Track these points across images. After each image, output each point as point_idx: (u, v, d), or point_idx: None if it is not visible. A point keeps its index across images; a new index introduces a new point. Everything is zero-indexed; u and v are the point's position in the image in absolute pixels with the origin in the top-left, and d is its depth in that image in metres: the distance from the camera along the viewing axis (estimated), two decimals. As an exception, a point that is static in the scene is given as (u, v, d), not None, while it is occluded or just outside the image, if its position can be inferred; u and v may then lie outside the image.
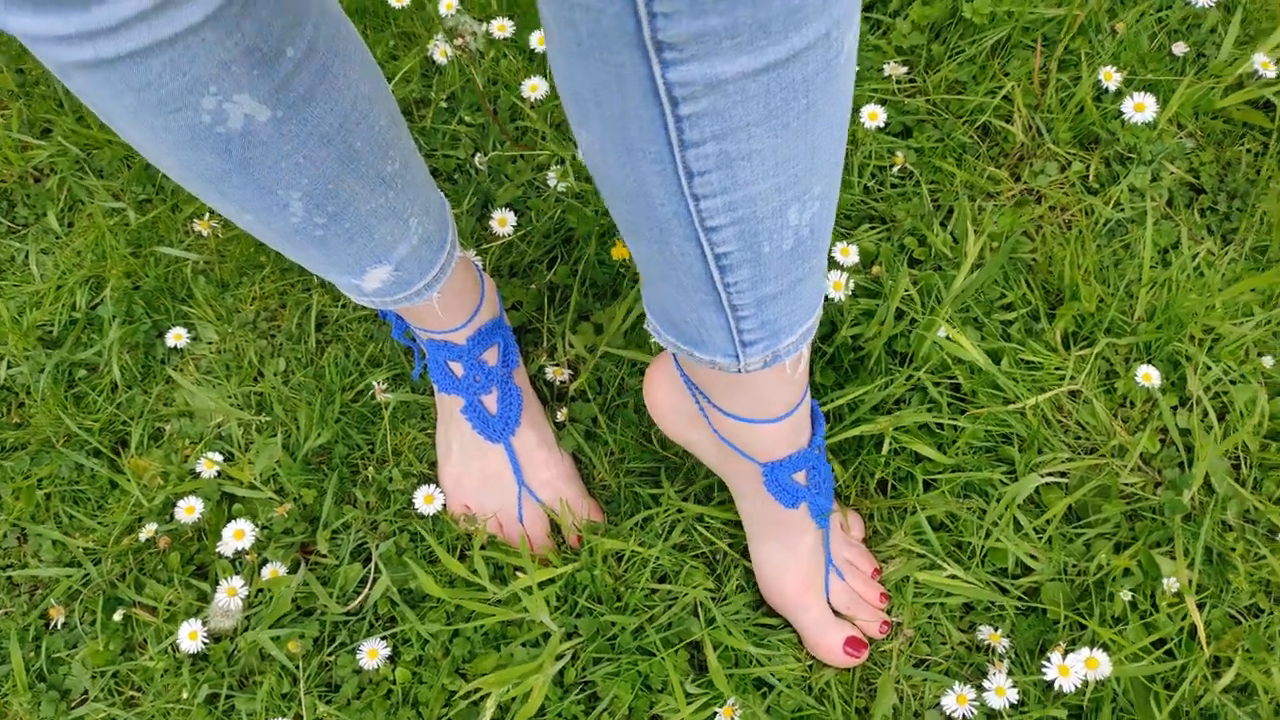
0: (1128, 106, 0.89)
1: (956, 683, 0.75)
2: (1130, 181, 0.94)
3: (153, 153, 0.55)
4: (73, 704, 0.85)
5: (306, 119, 0.56)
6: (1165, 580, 0.73)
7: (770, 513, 0.76)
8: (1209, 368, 0.84)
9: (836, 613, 0.80)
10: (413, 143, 0.68)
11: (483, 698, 0.77)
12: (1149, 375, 0.82)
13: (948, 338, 0.84)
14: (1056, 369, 0.86)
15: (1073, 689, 0.71)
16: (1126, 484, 0.83)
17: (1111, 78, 0.93)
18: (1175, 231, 0.92)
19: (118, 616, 0.84)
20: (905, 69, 1.02)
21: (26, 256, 1.06)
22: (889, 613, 0.81)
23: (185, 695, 0.81)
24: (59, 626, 0.86)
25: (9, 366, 1.00)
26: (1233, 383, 0.85)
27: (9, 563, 0.92)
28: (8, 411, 0.99)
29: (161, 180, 1.08)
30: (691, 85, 0.41)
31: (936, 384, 0.86)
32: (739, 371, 0.62)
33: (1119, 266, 0.91)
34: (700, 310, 0.57)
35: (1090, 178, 0.96)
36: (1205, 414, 0.84)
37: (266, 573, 0.84)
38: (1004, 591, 0.80)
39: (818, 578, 0.79)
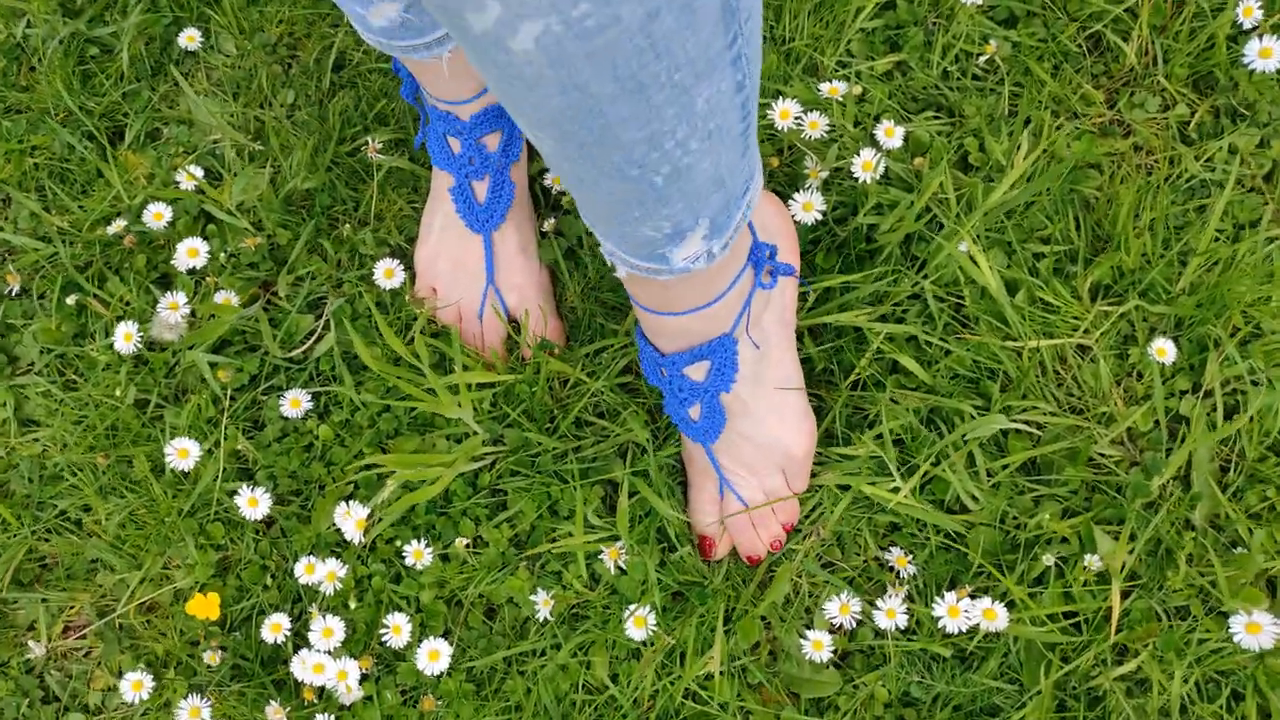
0: (1251, 50, 0.77)
1: (845, 591, 0.73)
2: (1233, 140, 0.83)
3: None
4: (18, 371, 0.87)
5: None
6: (1088, 556, 0.69)
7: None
8: (1235, 361, 0.76)
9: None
10: None
11: (389, 474, 0.77)
12: (1163, 350, 0.75)
13: (968, 254, 0.77)
14: (1074, 318, 0.79)
15: (957, 631, 0.69)
16: (1102, 454, 0.77)
17: (1252, 13, 0.80)
18: (1260, 209, 0.82)
19: (71, 300, 0.85)
20: (1030, -54, 0.89)
21: (66, -84, 1.01)
22: (803, 523, 0.78)
23: (118, 393, 0.82)
24: (14, 294, 0.87)
25: (28, 25, 0.98)
26: (1254, 383, 0.77)
27: (-11, 221, 0.92)
28: (18, 71, 0.97)
29: None
30: None
31: (940, 299, 0.80)
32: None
33: (1183, 230, 0.82)
34: None
35: (1191, 125, 0.85)
36: (1214, 408, 0.77)
37: (220, 298, 0.83)
38: (934, 525, 0.76)
39: (705, 476, 0.77)
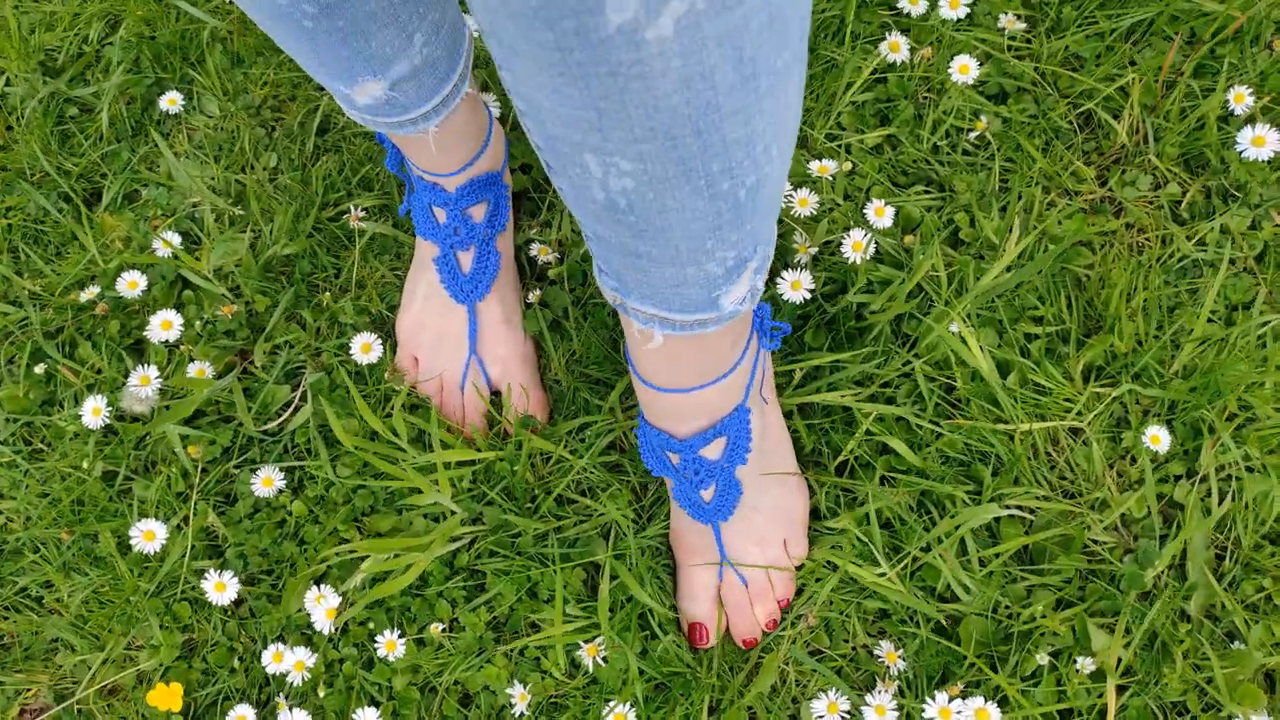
0: (1244, 137, 0.77)
1: (834, 689, 0.71)
2: (1225, 221, 0.83)
3: None
4: (-17, 439, 0.84)
5: None
6: (1080, 659, 0.67)
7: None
8: (1229, 447, 0.75)
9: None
10: None
11: (363, 559, 0.74)
12: (1157, 438, 0.73)
13: (959, 335, 0.76)
14: (1067, 400, 0.78)
15: (951, 736, 0.66)
16: (1095, 540, 0.76)
17: (1243, 99, 0.80)
18: (1254, 290, 0.82)
19: (40, 369, 0.83)
20: (1024, 25, 0.89)
21: (50, -27, 1.00)
22: (793, 603, 0.76)
23: (85, 465, 0.79)
24: (-19, 361, 0.85)
25: (7, 83, 0.96)
26: (1249, 469, 0.76)
27: (-41, 283, 0.90)
28: (-6, 130, 0.96)
29: (203, -71, 1.00)
30: None
31: (931, 379, 0.78)
32: (603, 294, 0.59)
33: (1176, 311, 0.81)
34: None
35: (1183, 204, 0.85)
36: (1208, 494, 0.76)
37: (193, 370, 0.81)
38: (923, 615, 0.74)
39: (703, 555, 0.74)
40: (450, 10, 0.65)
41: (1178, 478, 0.77)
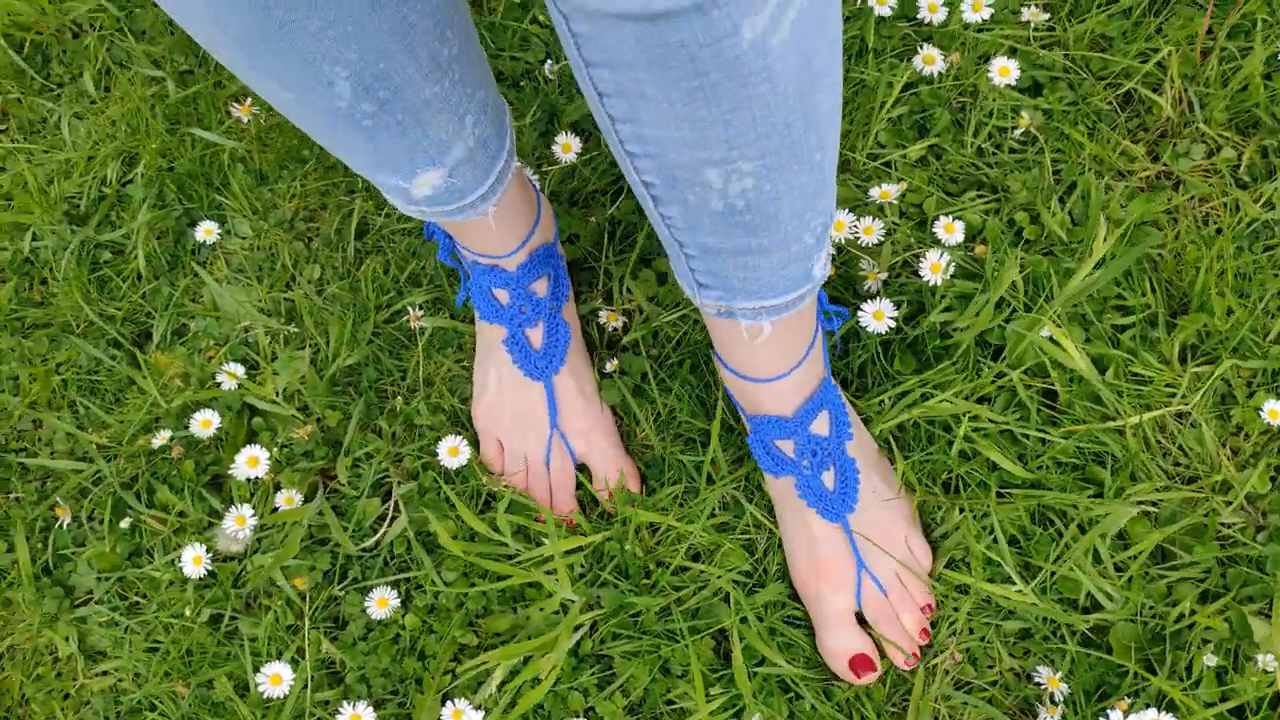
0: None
1: (1001, 716, 0.69)
2: (1288, 178, 0.82)
3: (183, 8, 0.49)
4: (76, 602, 0.82)
5: None
6: (1261, 658, 0.65)
7: (769, 483, 0.76)
8: (1345, 409, 0.74)
9: (866, 623, 0.73)
10: (474, 29, 0.61)
11: (492, 667, 0.72)
12: (1275, 412, 0.72)
13: (1051, 339, 0.75)
14: (1167, 385, 0.77)
15: (1136, 755, 0.64)
16: (1224, 523, 0.74)
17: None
18: (1330, 243, 0.80)
19: (125, 524, 0.81)
20: (1046, 15, 0.88)
21: (59, 119, 0.99)
22: (933, 632, 0.74)
23: (188, 612, 0.77)
24: (65, 525, 0.83)
25: (34, 239, 0.95)
26: (1369, 428, 0.74)
27: (23, 446, 0.88)
28: (30, 287, 0.94)
29: (205, 52, 1.00)
30: (566, 2, 0.42)
31: (1028, 386, 0.77)
32: (702, 310, 0.65)
33: (1258, 275, 0.80)
34: (660, 231, 0.58)
35: (1241, 168, 0.84)
36: (1329, 458, 0.74)
37: (281, 499, 0.79)
38: (1068, 627, 0.72)
39: (839, 571, 0.73)
40: (492, 89, 0.65)
41: (1292, 445, 0.76)
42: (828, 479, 0.73)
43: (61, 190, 0.96)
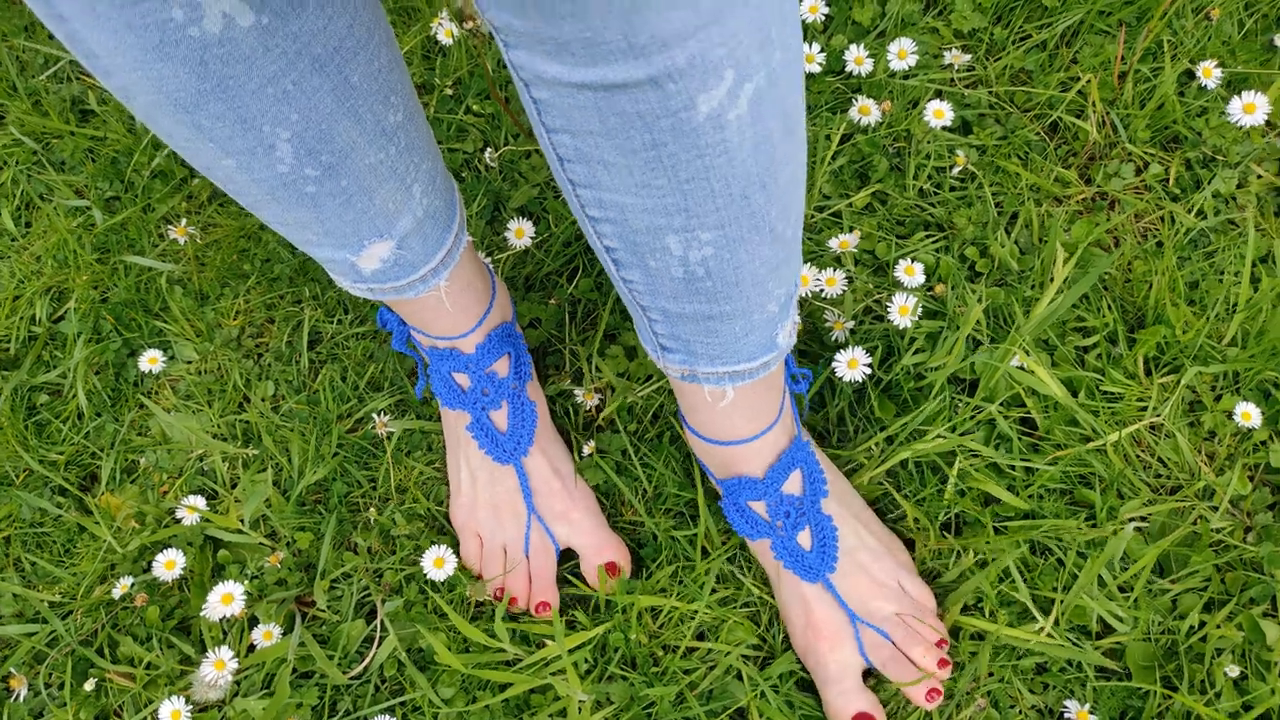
0: (1235, 107, 0.79)
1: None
2: (1215, 187, 0.85)
3: (117, 69, 0.47)
4: (42, 780, 0.76)
5: (297, 34, 0.48)
6: (1287, 665, 0.66)
7: (750, 547, 0.75)
8: (1310, 402, 0.75)
9: (877, 674, 0.72)
10: (417, 98, 0.61)
11: (508, 783, 0.68)
12: (1248, 414, 0.73)
13: (1022, 368, 0.75)
14: (1138, 400, 0.78)
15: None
16: (1215, 529, 0.75)
17: (1211, 74, 0.83)
18: (1265, 243, 0.83)
19: (89, 686, 0.75)
20: (967, 56, 0.91)
21: (-22, 262, 0.95)
22: (953, 681, 0.72)
23: (170, 774, 0.72)
24: (21, 697, 0.77)
25: (-39, 389, 0.89)
26: (1334, 417, 0.76)
27: (-33, 614, 0.82)
28: (-39, 440, 0.89)
29: (130, 175, 0.97)
30: (525, 70, 0.42)
31: (1006, 417, 0.77)
32: (667, 373, 0.64)
33: (1204, 282, 0.82)
34: (623, 295, 0.58)
35: (1170, 181, 0.87)
36: (1301, 451, 0.76)
37: (258, 634, 0.74)
38: (1082, 654, 0.72)
39: (834, 630, 0.71)
40: (439, 161, 0.65)
41: (1262, 443, 0.77)
42: (803, 539, 0.72)
43: (-13, 335, 0.91)
